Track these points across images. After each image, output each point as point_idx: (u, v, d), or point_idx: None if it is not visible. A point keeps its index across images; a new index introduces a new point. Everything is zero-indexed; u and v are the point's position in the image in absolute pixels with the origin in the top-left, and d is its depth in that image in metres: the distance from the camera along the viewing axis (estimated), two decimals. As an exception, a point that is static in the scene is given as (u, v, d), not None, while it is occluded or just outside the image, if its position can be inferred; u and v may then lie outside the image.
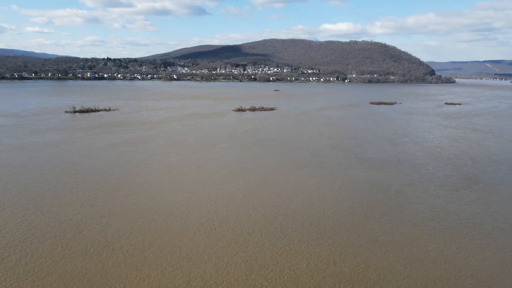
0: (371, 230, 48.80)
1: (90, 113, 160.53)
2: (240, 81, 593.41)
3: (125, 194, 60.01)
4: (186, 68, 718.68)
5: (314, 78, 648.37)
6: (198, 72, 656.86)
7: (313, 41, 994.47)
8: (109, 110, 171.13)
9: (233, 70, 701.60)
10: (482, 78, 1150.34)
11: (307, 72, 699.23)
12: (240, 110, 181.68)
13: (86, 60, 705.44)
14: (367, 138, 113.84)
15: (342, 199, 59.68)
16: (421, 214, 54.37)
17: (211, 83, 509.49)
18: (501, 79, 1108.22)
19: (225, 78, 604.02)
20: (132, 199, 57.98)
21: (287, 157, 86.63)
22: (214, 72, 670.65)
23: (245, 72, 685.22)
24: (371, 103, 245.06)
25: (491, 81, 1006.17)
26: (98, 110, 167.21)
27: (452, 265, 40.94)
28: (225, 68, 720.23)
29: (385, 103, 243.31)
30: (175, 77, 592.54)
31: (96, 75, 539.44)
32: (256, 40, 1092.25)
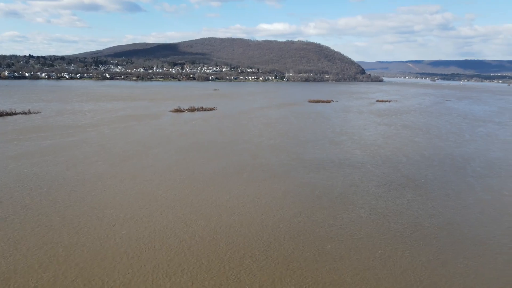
0: (317, 239, 46.13)
1: (4, 117, 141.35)
2: (179, 80, 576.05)
3: (36, 215, 50.99)
4: (120, 67, 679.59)
5: (253, 77, 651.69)
6: (133, 71, 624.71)
7: (251, 40, 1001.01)
8: (29, 113, 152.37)
9: (171, 69, 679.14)
10: (405, 77, 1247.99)
11: (246, 71, 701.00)
12: (178, 110, 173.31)
13: (3, 57, 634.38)
14: (307, 138, 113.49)
15: (286, 205, 56.62)
16: (366, 217, 53.20)
17: (148, 83, 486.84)
18: (422, 77, 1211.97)
19: (162, 78, 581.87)
20: (45, 222, 49.29)
21: (227, 161, 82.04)
22: (150, 71, 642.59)
23: (184, 71, 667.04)
24: (309, 101, 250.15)
25: (413, 80, 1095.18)
26: (15, 114, 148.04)
27: (400, 271, 39.50)
28: (162, 67, 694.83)
29: (323, 101, 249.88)
30: (108, 76, 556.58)
31: (16, 74, 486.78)
32: (194, 38, 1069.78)
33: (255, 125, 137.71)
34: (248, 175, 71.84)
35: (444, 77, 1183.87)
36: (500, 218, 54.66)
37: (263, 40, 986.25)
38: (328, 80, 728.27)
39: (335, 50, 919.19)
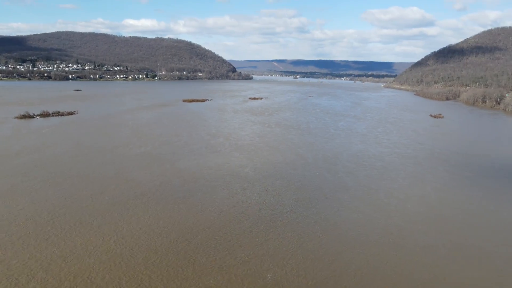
0: (195, 272, 38.99)
1: None
2: (29, 79, 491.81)
3: None
4: None
5: (121, 76, 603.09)
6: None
7: (117, 36, 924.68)
8: None
9: (18, 67, 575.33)
10: (272, 75, 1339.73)
11: (113, 69, 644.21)
12: (26, 117, 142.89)
13: None
14: (182, 142, 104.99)
15: (155, 236, 47.79)
16: (256, 228, 48.47)
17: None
18: (286, 75, 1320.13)
19: (7, 76, 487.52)
20: None
21: (83, 183, 67.75)
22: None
23: (36, 69, 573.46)
24: (184, 101, 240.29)
25: (279, 77, 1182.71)
26: None
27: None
28: (6, 63, 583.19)
29: (197, 101, 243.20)
30: None
31: None
32: (48, 32, 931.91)
33: (123, 130, 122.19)
34: (111, 198, 59.94)
35: (305, 75, 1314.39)
36: (374, 215, 56.80)
37: (130, 36, 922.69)
38: (201, 78, 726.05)
39: (207, 48, 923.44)
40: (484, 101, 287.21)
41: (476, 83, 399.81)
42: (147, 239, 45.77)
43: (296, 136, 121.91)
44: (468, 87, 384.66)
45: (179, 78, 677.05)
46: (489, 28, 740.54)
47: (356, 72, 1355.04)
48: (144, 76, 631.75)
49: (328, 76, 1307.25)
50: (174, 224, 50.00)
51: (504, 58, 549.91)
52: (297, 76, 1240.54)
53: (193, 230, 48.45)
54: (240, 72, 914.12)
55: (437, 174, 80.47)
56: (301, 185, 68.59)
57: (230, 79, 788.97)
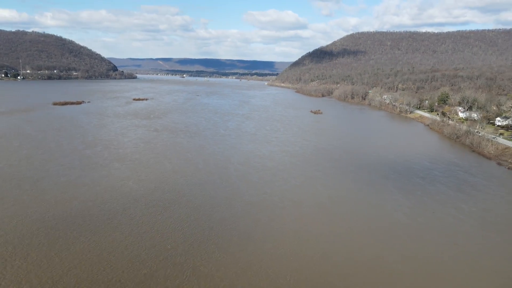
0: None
1: None
2: None
3: None
4: None
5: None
6: None
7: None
8: None
9: None
10: (157, 74, 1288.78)
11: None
12: None
13: None
14: (48, 155, 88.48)
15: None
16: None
17: None
18: (172, 74, 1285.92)
19: None
20: None
21: None
22: None
23: None
24: (54, 103, 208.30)
25: (165, 76, 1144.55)
26: None
27: None
28: None
29: (72, 103, 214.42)
30: None
31: None
32: None
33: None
34: None
35: (191, 74, 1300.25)
36: (270, 224, 54.84)
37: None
38: (77, 77, 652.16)
39: (82, 45, 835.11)
40: (352, 97, 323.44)
41: (344, 81, 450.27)
42: (-8, 294, 34.67)
43: (185, 139, 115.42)
44: (338, 85, 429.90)
45: (50, 78, 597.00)
46: (351, 32, 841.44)
47: (241, 71, 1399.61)
48: (3, 76, 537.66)
49: (214, 75, 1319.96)
50: (28, 276, 39.39)
51: (365, 59, 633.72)
52: (184, 75, 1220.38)
53: (60, 281, 38.80)
54: (123, 71, 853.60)
55: (325, 171, 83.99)
56: (192, 196, 63.01)
57: (111, 78, 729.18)
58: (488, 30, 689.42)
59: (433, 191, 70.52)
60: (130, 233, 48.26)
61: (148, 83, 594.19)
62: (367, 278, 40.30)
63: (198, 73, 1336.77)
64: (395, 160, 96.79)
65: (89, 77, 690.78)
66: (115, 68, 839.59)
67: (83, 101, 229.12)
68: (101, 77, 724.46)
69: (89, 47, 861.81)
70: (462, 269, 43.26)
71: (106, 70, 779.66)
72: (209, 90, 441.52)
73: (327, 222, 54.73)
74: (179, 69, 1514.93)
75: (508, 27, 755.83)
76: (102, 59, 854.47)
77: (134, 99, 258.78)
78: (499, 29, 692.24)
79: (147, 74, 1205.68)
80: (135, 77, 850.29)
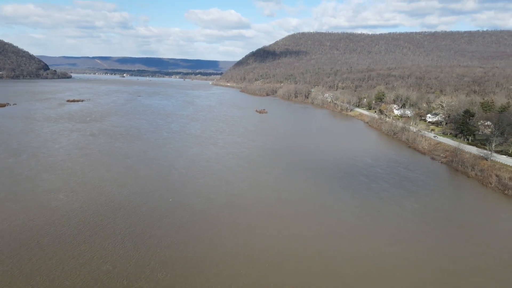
0: None
1: None
2: None
3: None
4: None
5: None
6: None
7: None
8: None
9: None
10: (95, 73, 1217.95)
11: None
12: None
13: None
14: (-37, 167, 77.38)
15: None
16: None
17: None
18: (111, 74, 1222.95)
19: None
20: None
21: None
22: None
23: None
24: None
25: (103, 76, 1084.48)
26: None
27: None
28: None
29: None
30: None
31: None
32: None
33: None
34: None
35: (132, 73, 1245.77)
36: (223, 241, 52.11)
37: None
38: (1, 77, 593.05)
39: (6, 41, 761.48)
40: (296, 96, 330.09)
41: (288, 80, 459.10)
42: None
43: (125, 144, 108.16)
44: (282, 84, 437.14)
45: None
46: (292, 32, 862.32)
47: (185, 70, 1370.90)
48: None
49: (157, 74, 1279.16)
50: None
51: (306, 58, 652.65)
52: (124, 75, 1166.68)
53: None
54: (55, 70, 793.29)
55: (272, 172, 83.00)
56: (132, 208, 58.20)
57: (42, 78, 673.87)
58: (416, 33, 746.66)
59: (377, 189, 72.55)
60: (59, 259, 42.72)
61: (84, 83, 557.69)
62: (318, 284, 39.33)
63: (140, 73, 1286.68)
64: (340, 159, 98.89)
65: (16, 77, 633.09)
66: (46, 67, 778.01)
67: (8, 104, 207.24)
68: (30, 76, 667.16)
69: (15, 44, 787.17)
70: (407, 267, 44.11)
71: (36, 69, 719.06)
72: (151, 90, 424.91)
73: (277, 228, 53.34)
74: (119, 68, 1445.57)
75: (432, 30, 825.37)
76: (30, 57, 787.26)
77: (68, 101, 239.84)
78: (425, 32, 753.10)
79: (83, 73, 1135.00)
80: (70, 77, 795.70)
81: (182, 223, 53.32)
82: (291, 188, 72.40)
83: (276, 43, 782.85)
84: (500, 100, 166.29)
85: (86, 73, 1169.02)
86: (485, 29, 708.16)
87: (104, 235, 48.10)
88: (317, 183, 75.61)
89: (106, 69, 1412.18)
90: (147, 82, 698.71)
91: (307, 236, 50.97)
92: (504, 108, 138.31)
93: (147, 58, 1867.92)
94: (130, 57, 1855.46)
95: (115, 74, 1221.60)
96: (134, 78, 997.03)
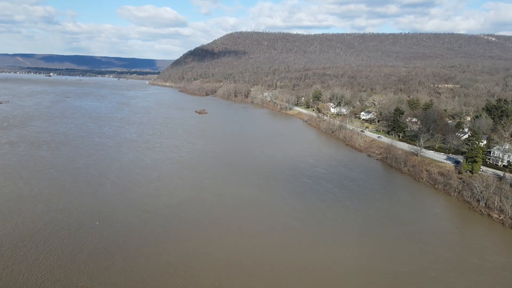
0: None
1: None
2: None
3: None
4: None
5: None
6: None
7: None
8: None
9: None
10: (16, 72, 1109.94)
11: None
12: None
13: None
14: None
15: None
16: None
17: None
18: (36, 73, 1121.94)
19: None
20: None
21: None
22: None
23: None
24: None
25: (26, 75, 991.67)
26: None
27: None
28: None
29: None
30: None
31: None
32: None
33: None
34: None
35: (60, 72, 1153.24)
36: (168, 258, 47.81)
37: None
38: None
39: None
40: (236, 95, 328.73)
41: (227, 79, 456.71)
42: None
43: (50, 152, 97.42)
44: (221, 83, 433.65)
45: None
46: (230, 32, 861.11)
47: (119, 69, 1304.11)
48: None
49: (88, 73, 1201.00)
50: None
51: (245, 57, 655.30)
52: (51, 74, 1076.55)
53: None
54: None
55: (214, 178, 79.86)
56: (56, 228, 51.44)
57: None
58: (346, 34, 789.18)
59: (320, 190, 72.89)
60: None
61: (2, 82, 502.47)
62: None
63: (69, 72, 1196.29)
64: (282, 160, 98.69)
65: None
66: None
67: None
68: None
69: None
70: (354, 272, 43.97)
71: None
72: (82, 91, 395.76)
73: (221, 240, 50.50)
74: (44, 66, 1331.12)
75: (361, 32, 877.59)
76: None
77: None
78: (355, 33, 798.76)
79: (2, 72, 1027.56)
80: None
81: (113, 241, 48.10)
82: (235, 194, 69.89)
83: (215, 42, 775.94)
84: (423, 98, 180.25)
85: (6, 72, 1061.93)
86: (407, 32, 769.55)
87: (19, 264, 41.37)
88: (261, 186, 74.07)
89: (29, 68, 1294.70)
90: (76, 82, 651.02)
91: (255, 246, 48.94)
92: (428, 106, 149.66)
93: (77, 56, 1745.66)
94: (58, 55, 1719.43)
95: (40, 73, 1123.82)
96: (62, 77, 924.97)
